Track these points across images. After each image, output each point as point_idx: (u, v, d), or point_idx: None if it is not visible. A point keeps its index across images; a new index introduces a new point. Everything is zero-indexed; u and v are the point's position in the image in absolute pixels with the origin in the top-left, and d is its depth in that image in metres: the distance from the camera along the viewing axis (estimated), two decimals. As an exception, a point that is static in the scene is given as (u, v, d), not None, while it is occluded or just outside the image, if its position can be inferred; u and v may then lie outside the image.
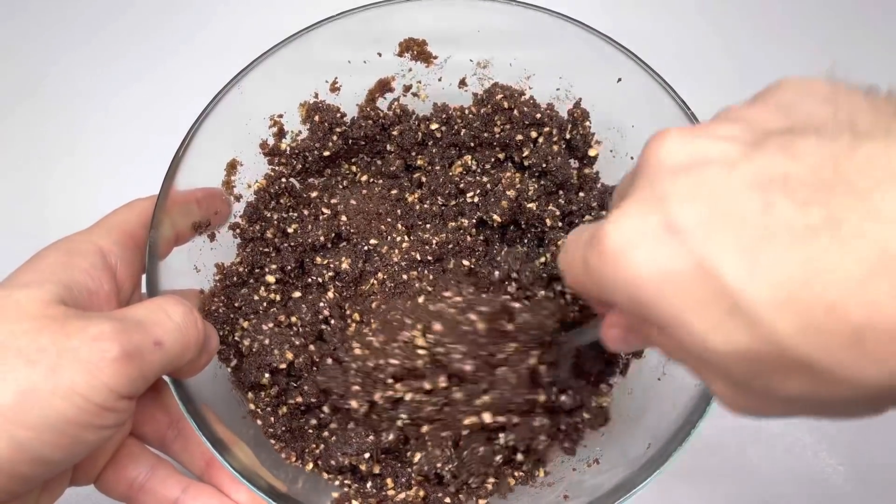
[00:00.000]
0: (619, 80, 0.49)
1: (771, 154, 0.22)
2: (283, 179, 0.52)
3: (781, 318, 0.21)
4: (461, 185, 0.52)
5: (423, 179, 0.54)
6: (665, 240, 0.23)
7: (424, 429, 0.43)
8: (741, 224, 0.21)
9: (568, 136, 0.52)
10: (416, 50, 0.52)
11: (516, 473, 0.46)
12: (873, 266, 0.19)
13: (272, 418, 0.45)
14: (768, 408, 0.25)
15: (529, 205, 0.50)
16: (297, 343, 0.46)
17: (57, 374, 0.30)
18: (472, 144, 0.53)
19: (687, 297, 0.22)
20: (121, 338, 0.32)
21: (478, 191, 0.52)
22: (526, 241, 0.52)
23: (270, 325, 0.46)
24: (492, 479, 0.45)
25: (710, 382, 0.26)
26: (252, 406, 0.45)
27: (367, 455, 0.43)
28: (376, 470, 0.44)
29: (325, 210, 0.52)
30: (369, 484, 0.44)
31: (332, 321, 0.48)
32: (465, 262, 0.51)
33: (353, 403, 0.43)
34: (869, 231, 0.19)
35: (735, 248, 0.21)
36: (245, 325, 0.47)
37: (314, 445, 0.45)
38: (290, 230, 0.51)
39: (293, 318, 0.47)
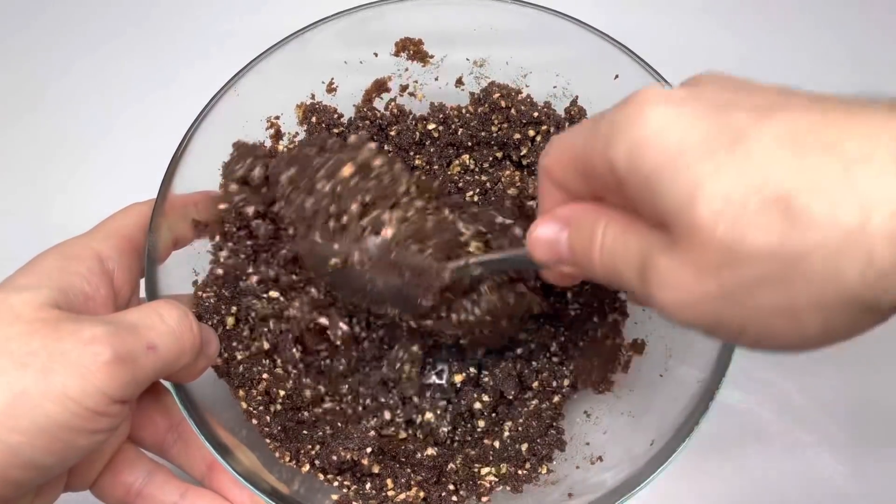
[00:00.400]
0: (616, 76, 0.48)
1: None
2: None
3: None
4: (460, 185, 0.52)
5: (423, 178, 0.54)
6: (697, 104, 0.25)
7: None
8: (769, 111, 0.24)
9: (566, 134, 0.51)
10: (412, 49, 0.52)
11: (520, 472, 0.45)
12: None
13: (267, 417, 0.45)
14: (720, 294, 0.24)
15: (530, 203, 0.50)
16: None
17: (48, 378, 0.30)
18: (470, 144, 0.53)
19: (695, 142, 0.24)
20: (113, 341, 0.32)
21: (477, 189, 0.52)
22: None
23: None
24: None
25: (661, 264, 0.25)
26: (244, 405, 0.45)
27: (368, 450, 0.43)
28: (375, 469, 0.44)
29: None
30: (368, 485, 0.43)
31: None
32: None
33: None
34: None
35: (752, 113, 0.24)
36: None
37: (310, 446, 0.44)
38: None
39: None
